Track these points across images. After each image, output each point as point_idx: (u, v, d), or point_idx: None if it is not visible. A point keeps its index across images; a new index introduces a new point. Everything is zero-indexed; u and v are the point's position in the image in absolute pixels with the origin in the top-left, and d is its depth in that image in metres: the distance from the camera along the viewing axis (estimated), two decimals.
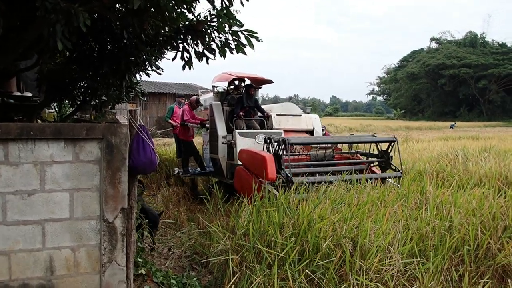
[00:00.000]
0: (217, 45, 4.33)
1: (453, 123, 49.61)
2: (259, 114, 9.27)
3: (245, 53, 4.23)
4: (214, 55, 4.41)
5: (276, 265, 3.67)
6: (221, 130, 8.60)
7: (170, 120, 10.96)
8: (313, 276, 3.66)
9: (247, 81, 9.71)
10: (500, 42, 76.95)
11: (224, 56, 4.34)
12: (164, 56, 5.57)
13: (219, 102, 9.22)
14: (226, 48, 4.29)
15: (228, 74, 9.56)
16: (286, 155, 6.29)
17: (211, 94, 10.53)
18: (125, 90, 6.16)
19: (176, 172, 10.03)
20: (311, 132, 9.48)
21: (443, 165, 8.85)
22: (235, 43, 4.24)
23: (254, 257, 4.06)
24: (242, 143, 7.87)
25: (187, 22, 4.40)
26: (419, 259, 3.92)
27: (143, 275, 4.48)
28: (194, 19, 4.34)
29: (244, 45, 4.22)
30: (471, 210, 4.77)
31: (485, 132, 32.79)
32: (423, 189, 5.61)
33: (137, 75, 6.42)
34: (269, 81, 9.78)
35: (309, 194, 5.21)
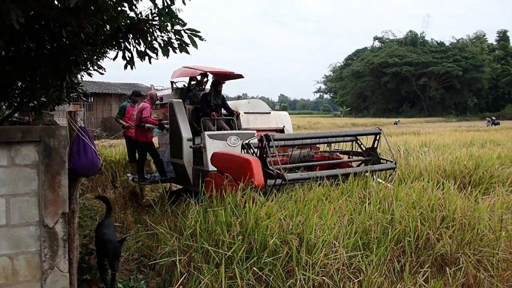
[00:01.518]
0: (159, 44, 4.28)
1: (397, 120, 51.53)
2: (224, 112, 8.51)
3: (188, 52, 4.20)
4: (157, 55, 4.35)
5: (223, 264, 3.68)
6: (185, 131, 7.72)
7: (121, 121, 9.70)
8: (260, 273, 3.69)
9: (210, 77, 8.92)
10: (439, 41, 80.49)
11: (167, 56, 4.29)
12: (106, 56, 5.43)
13: (181, 100, 8.29)
14: (169, 47, 4.24)
15: (191, 68, 8.59)
16: (272, 155, 5.82)
17: (167, 91, 9.41)
18: (66, 90, 5.95)
19: (131, 178, 9.13)
20: (281, 131, 8.86)
21: None
22: (178, 42, 4.20)
23: (202, 257, 4.05)
24: (212, 146, 7.08)
25: (128, 21, 4.32)
26: (363, 251, 4.04)
27: (88, 280, 4.35)
28: (136, 17, 4.26)
29: (187, 44, 4.18)
30: (411, 203, 4.95)
31: (426, 127, 34.25)
32: (367, 184, 5.77)
33: (78, 75, 6.23)
34: (239, 76, 8.78)
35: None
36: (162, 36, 4.26)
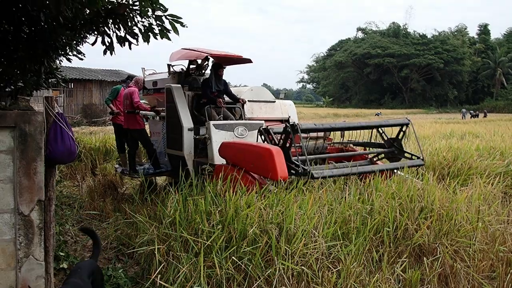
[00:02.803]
0: (140, 30, 4.20)
1: (379, 111, 52.04)
2: (227, 99, 7.73)
3: (169, 39, 4.13)
4: (137, 40, 4.28)
5: (202, 253, 3.66)
6: (186, 120, 7.01)
7: (111, 105, 8.57)
8: (239, 262, 3.68)
9: (211, 60, 8.11)
10: (421, 33, 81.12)
11: (148, 42, 4.22)
12: (85, 41, 5.33)
13: (179, 85, 7.54)
14: (149, 33, 4.17)
15: (194, 50, 7.71)
16: (299, 146, 5.37)
17: (162, 75, 8.54)
18: (44, 76, 5.83)
19: (120, 170, 8.41)
20: (287, 121, 8.04)
21: None
22: (159, 28, 4.14)
23: (181, 246, 4.02)
24: (218, 137, 6.48)
25: (108, 5, 4.22)
26: (342, 241, 4.06)
27: (65, 269, 4.30)
28: (116, 2, 4.17)
29: (168, 31, 4.12)
30: (390, 193, 4.99)
31: None
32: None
33: (57, 60, 6.11)
34: (247, 60, 7.96)
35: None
36: (143, 22, 4.19)
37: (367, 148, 7.12)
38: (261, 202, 4.31)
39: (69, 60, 5.73)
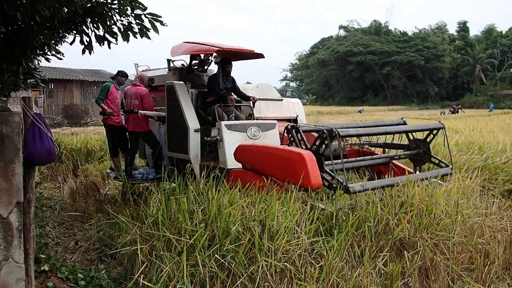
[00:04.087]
0: (119, 28, 4.17)
1: (361, 108, 52.47)
2: (234, 97, 7.15)
3: (149, 38, 4.11)
4: (116, 40, 4.25)
5: (185, 252, 3.65)
6: (192, 120, 6.52)
7: (103, 105, 7.70)
8: (223, 260, 3.69)
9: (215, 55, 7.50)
10: (402, 31, 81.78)
11: (127, 41, 4.19)
12: (64, 40, 5.26)
13: (183, 82, 7.00)
14: (129, 32, 4.15)
15: (202, 44, 7.03)
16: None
17: (159, 71, 8.05)
18: (22, 76, 5.74)
19: (113, 176, 7.80)
20: (294, 121, 7.77)
21: None
22: (139, 27, 4.11)
23: (164, 245, 4.01)
24: (231, 138, 6.02)
25: (87, 4, 4.18)
26: (324, 237, 4.10)
27: (47, 271, 4.25)
28: (94, 0, 4.13)
29: (148, 29, 4.10)
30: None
31: (389, 115, 34.98)
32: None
33: (36, 60, 6.03)
34: (259, 55, 7.26)
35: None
36: (122, 21, 4.16)
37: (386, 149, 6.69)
38: (243, 199, 4.32)
39: (47, 60, 5.65)
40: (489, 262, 4.26)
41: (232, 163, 5.75)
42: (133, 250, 4.14)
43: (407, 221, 4.44)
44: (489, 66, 73.90)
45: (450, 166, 5.93)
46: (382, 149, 6.76)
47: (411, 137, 6.31)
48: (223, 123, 6.09)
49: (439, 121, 6.34)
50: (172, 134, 6.92)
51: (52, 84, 27.50)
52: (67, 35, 4.94)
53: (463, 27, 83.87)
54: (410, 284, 3.93)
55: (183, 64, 7.72)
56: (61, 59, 5.64)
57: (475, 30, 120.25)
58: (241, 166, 5.60)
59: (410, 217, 4.49)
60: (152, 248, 4.05)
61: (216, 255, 3.71)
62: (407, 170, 6.10)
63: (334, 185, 4.79)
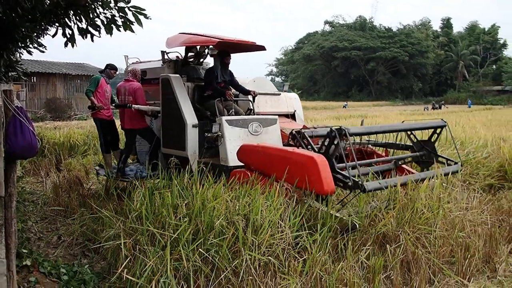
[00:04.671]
0: (102, 21, 4.12)
1: (345, 103, 52.83)
2: (234, 91, 6.92)
3: (132, 31, 4.08)
4: (100, 32, 4.19)
5: (169, 246, 3.65)
6: (190, 116, 6.29)
7: (93, 98, 7.37)
8: (207, 254, 3.70)
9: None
10: (387, 27, 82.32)
11: (111, 34, 4.15)
12: (46, 33, 5.19)
13: (178, 76, 6.74)
14: (112, 25, 4.10)
15: (201, 35, 6.76)
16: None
17: (152, 64, 7.76)
18: (4, 69, 5.65)
19: (102, 174, 7.53)
20: (292, 116, 7.74)
21: None
22: (122, 20, 4.07)
23: (148, 240, 4.00)
24: (232, 135, 5.80)
25: None
26: (308, 231, 4.13)
27: (29, 266, 4.21)
28: None
29: (131, 22, 4.06)
30: None
31: (373, 110, 35.29)
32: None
33: (18, 53, 5.94)
34: (260, 48, 7.02)
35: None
36: (105, 13, 4.11)
37: (388, 149, 6.61)
38: (228, 194, 4.33)
39: (29, 52, 5.57)
40: (469, 255, 4.34)
41: (234, 161, 5.59)
42: (117, 245, 4.12)
43: (390, 216, 4.48)
44: (472, 63, 74.91)
45: (459, 163, 5.78)
46: (384, 148, 6.68)
47: (413, 140, 6.19)
48: (224, 118, 5.88)
49: (442, 119, 6.20)
50: (167, 130, 6.69)
51: (35, 78, 27.14)
52: (49, 27, 4.87)
53: (447, 24, 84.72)
54: (392, 277, 3.98)
55: (177, 57, 7.48)
56: (43, 51, 5.57)
57: (458, 27, 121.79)
58: (242, 164, 5.46)
59: (393, 211, 4.54)
60: (135, 242, 4.04)
61: (200, 249, 3.71)
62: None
63: (350, 184, 4.58)
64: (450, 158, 5.91)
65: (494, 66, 76.02)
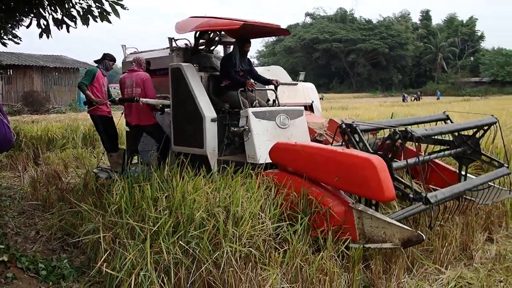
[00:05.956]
0: (78, 12, 4.06)
1: (322, 94, 53.26)
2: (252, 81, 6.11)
3: (109, 21, 4.04)
4: (76, 23, 4.13)
5: (149, 239, 3.62)
6: (207, 109, 5.68)
7: (88, 92, 6.69)
8: (187, 247, 3.68)
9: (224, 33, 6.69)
10: (367, 19, 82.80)
11: (87, 24, 4.09)
12: (21, 24, 5.09)
13: (191, 64, 6.09)
14: (88, 16, 4.04)
15: (215, 18, 6.01)
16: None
17: (157, 53, 7.02)
18: None
19: (104, 176, 6.85)
20: (310, 107, 7.23)
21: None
22: (99, 10, 4.02)
23: (127, 233, 3.96)
24: (260, 128, 5.31)
25: None
26: (288, 222, 4.14)
27: (5, 262, 4.14)
28: None
29: (108, 13, 4.01)
30: None
31: (354, 102, 35.63)
32: None
33: None
34: (284, 31, 6.55)
35: None
36: (81, 4, 4.05)
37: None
38: (208, 186, 4.31)
39: (4, 44, 5.45)
40: (446, 244, 4.41)
41: (263, 158, 5.13)
42: (96, 239, 4.07)
43: None
44: (450, 54, 76.00)
45: (506, 165, 5.09)
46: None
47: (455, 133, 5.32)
48: (250, 110, 5.38)
49: (492, 115, 5.45)
50: (180, 125, 6.08)
51: (11, 70, 26.59)
52: (24, 18, 4.78)
53: (426, 16, 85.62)
54: (372, 267, 4.02)
55: (186, 44, 6.74)
56: (18, 43, 5.48)
57: (437, 19, 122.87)
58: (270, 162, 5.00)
59: None
60: (115, 236, 3.99)
61: (180, 242, 3.69)
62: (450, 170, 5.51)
63: (411, 196, 4.03)
64: (495, 158, 5.29)
65: (472, 58, 77.40)
